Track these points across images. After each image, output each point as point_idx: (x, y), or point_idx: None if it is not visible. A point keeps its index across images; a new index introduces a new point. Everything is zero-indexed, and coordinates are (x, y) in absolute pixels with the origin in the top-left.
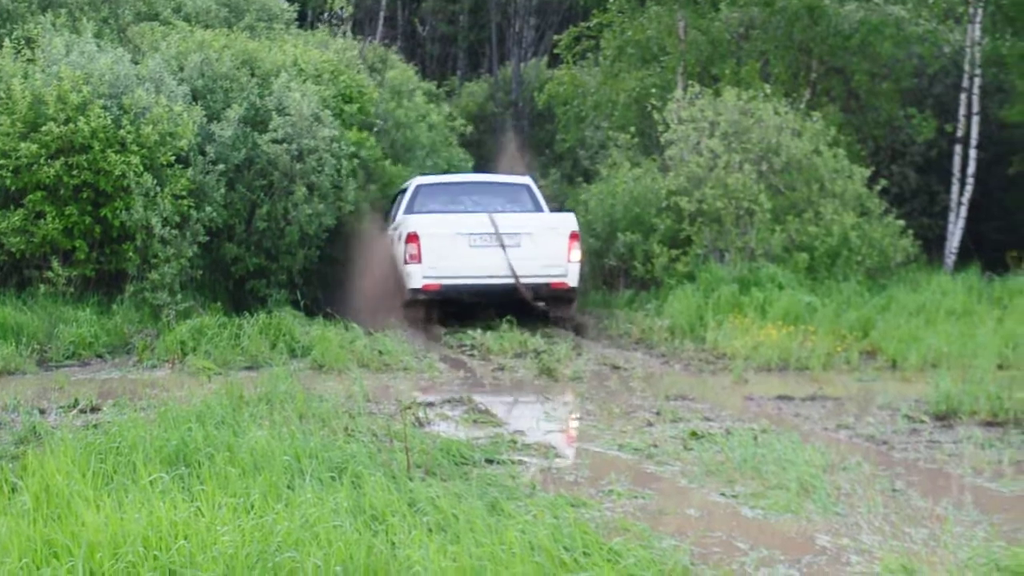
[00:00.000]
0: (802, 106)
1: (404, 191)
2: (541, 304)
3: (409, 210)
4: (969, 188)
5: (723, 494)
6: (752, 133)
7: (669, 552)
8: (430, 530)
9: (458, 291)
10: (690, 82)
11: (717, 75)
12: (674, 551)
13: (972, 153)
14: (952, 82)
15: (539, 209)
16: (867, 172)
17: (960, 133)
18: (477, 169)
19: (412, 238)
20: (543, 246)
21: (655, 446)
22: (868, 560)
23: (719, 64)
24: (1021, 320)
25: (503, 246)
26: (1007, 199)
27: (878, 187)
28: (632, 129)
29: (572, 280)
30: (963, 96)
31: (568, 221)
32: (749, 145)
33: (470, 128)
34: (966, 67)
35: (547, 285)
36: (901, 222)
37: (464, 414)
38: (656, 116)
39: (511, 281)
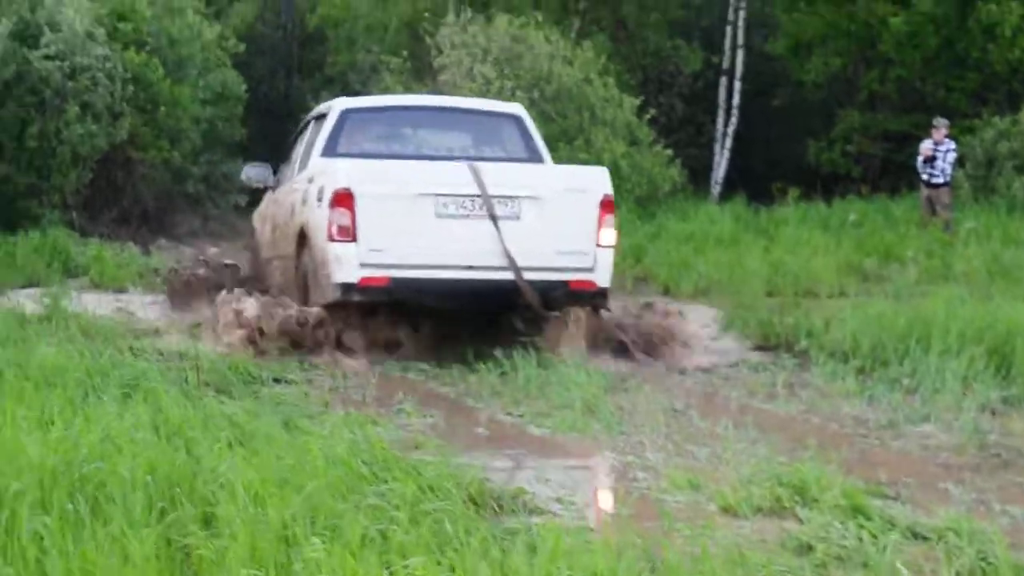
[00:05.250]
0: (573, 35)
1: (316, 120)
2: (554, 314)
3: (331, 151)
4: (734, 120)
5: (509, 414)
6: (524, 60)
7: (464, 467)
8: (229, 444)
9: (417, 289)
10: (463, 7)
11: (487, 1)
12: (469, 467)
13: (737, 85)
14: (719, 14)
15: (537, 157)
16: (637, 102)
17: (726, 65)
18: (250, 92)
19: (341, 199)
20: (559, 219)
21: (440, 366)
22: (654, 476)
23: None
24: (787, 249)
25: (494, 217)
26: (771, 132)
27: (647, 117)
28: (404, 53)
29: (603, 277)
30: (729, 28)
31: (598, 179)
32: (521, 72)
33: (243, 47)
34: (732, 0)
35: (564, 284)
36: (669, 151)
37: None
38: (429, 41)
39: (506, 276)
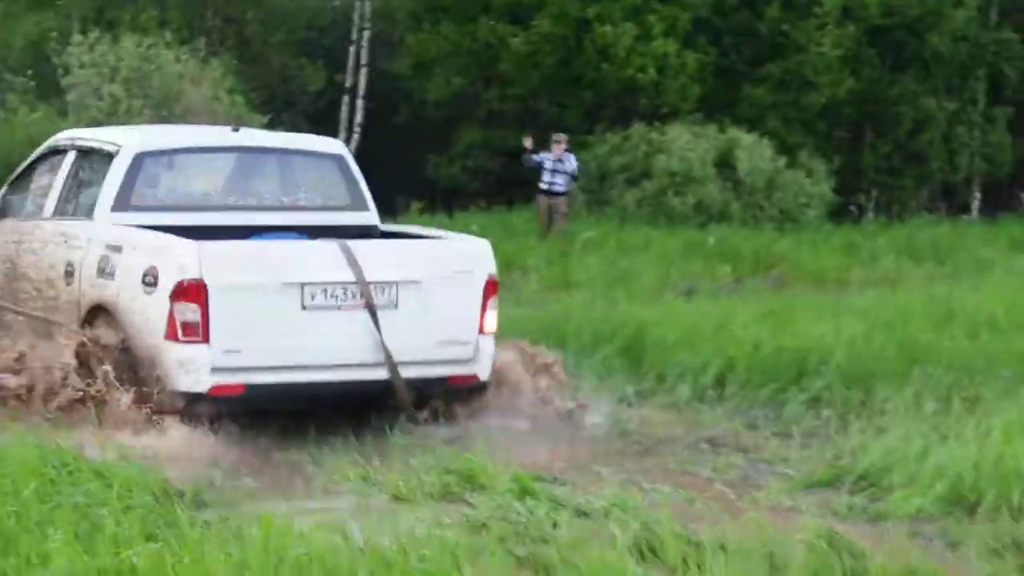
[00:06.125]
0: (201, 54)
1: (80, 153)
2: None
3: (124, 203)
4: (356, 137)
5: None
6: (153, 79)
7: (147, 469)
8: None
9: (280, 395)
10: (89, 27)
11: (113, 21)
12: (151, 469)
13: (360, 104)
14: (343, 34)
15: (362, 204)
16: (264, 120)
17: (349, 84)
18: None
19: (191, 291)
20: (440, 305)
21: None
22: (325, 472)
23: (117, 10)
24: None
25: (372, 308)
26: (393, 148)
27: None
28: (29, 72)
29: (484, 368)
30: (352, 48)
31: (483, 256)
32: (150, 91)
33: None
34: (355, 20)
35: (444, 380)
36: None
37: None
38: (56, 60)
39: (380, 375)
